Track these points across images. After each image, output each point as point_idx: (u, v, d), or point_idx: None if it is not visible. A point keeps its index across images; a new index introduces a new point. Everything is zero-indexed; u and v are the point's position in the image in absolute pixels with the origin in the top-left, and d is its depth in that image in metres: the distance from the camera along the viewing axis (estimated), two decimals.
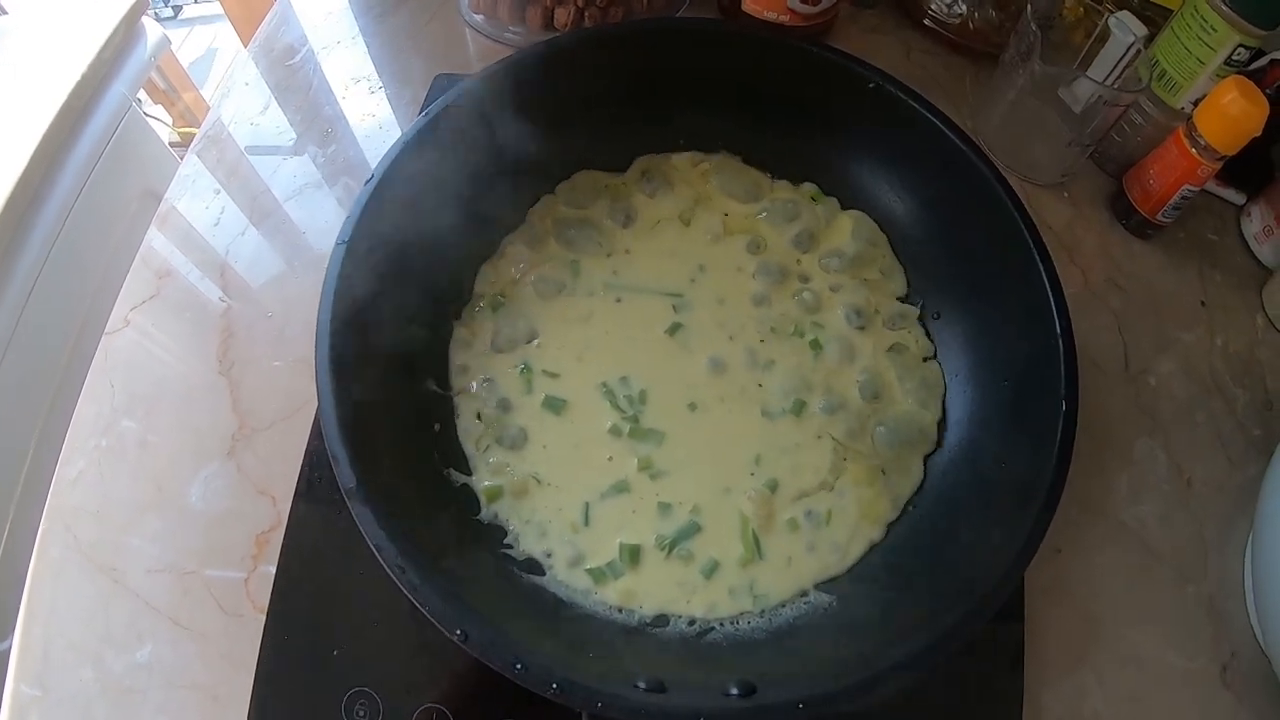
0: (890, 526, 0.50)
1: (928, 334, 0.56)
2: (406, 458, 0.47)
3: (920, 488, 0.51)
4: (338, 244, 0.46)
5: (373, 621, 0.47)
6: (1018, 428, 0.48)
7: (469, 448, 0.51)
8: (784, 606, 0.48)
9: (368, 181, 0.48)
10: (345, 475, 0.40)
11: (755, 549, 0.49)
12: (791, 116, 0.57)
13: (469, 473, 0.50)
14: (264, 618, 0.47)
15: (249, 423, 0.54)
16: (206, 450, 0.53)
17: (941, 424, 0.53)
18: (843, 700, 0.38)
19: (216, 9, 1.34)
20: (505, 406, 0.52)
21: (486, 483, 0.50)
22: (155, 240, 0.60)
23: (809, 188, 0.60)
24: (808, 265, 0.58)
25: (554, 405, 0.52)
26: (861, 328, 0.56)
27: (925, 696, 0.47)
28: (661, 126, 0.59)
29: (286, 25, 0.70)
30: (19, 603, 0.49)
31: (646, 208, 0.59)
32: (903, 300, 0.57)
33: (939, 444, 0.53)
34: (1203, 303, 0.63)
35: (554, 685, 0.37)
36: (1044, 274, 0.47)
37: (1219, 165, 0.58)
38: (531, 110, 0.53)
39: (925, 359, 0.55)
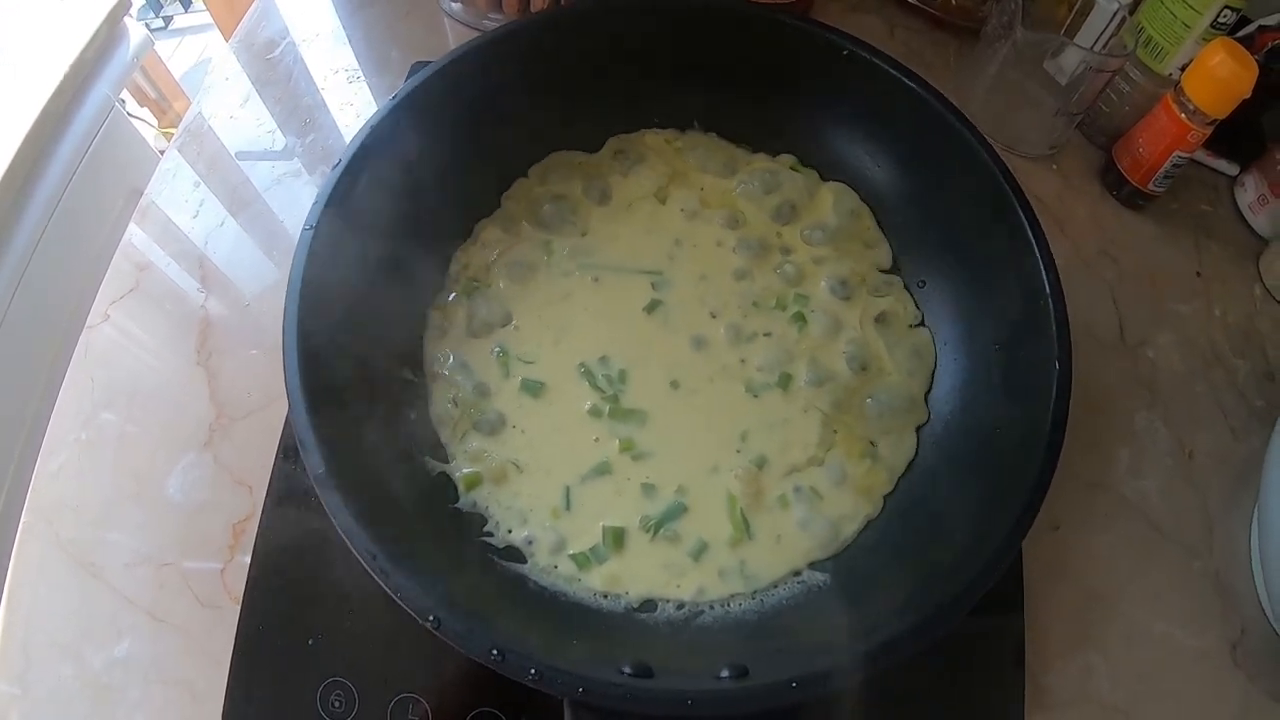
0: (885, 500, 0.48)
1: (915, 301, 0.54)
2: (380, 446, 0.45)
3: (914, 460, 0.49)
4: (305, 229, 0.44)
5: (348, 611, 0.45)
6: (1011, 393, 0.46)
7: (445, 434, 0.49)
8: (776, 587, 0.46)
9: (335, 166, 0.46)
10: (313, 461, 0.39)
11: (744, 528, 0.47)
12: (766, 89, 0.56)
13: (446, 460, 0.48)
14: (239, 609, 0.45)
15: (226, 412, 0.52)
16: (184, 441, 0.51)
17: (932, 394, 0.51)
18: (838, 678, 0.36)
19: (207, 19, 1.34)
20: (482, 391, 0.50)
21: (464, 470, 0.48)
22: (135, 234, 0.59)
23: (787, 158, 0.58)
24: (789, 238, 0.56)
25: (531, 388, 0.50)
26: (846, 298, 0.54)
27: (925, 692, 0.45)
28: (635, 104, 0.57)
29: (267, 19, 0.69)
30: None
31: (621, 186, 0.57)
32: (888, 272, 0.55)
33: (930, 415, 0.51)
34: (1198, 274, 0.61)
35: (533, 671, 0.35)
36: (1028, 229, 0.45)
37: (1209, 130, 0.56)
38: (503, 91, 0.52)
39: (913, 326, 0.53)
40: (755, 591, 0.45)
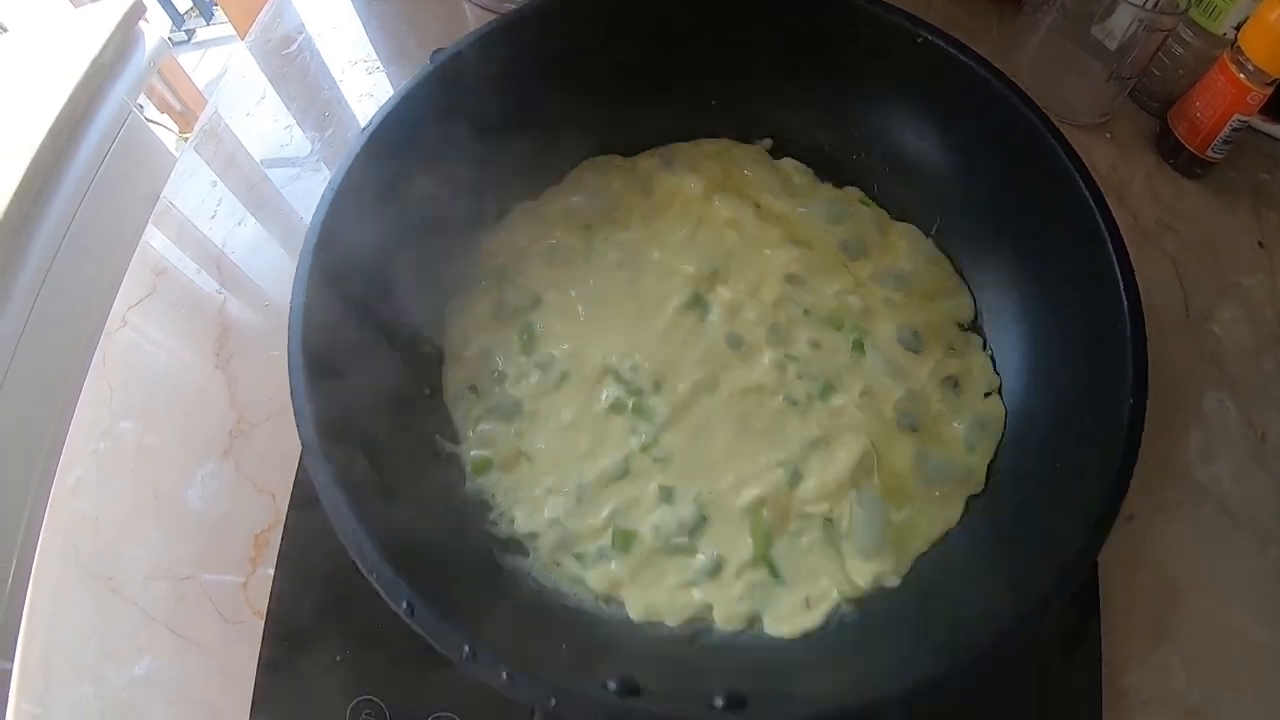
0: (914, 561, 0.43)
1: (994, 366, 0.47)
2: (389, 420, 0.41)
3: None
4: (327, 190, 0.40)
5: (378, 624, 0.40)
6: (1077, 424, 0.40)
7: (458, 415, 0.45)
8: (794, 615, 0.40)
9: (363, 130, 0.42)
10: (305, 429, 0.35)
11: (765, 548, 0.41)
12: (826, 83, 0.50)
13: (457, 442, 0.44)
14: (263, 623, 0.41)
15: (247, 417, 0.48)
16: (204, 448, 0.47)
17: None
18: None
19: (230, 30, 1.31)
20: (501, 376, 0.46)
21: (474, 453, 0.43)
22: (152, 237, 0.55)
23: (854, 192, 0.51)
24: (859, 274, 0.49)
25: (553, 376, 0.45)
26: (916, 352, 0.46)
27: (998, 695, 0.40)
28: (684, 105, 0.52)
29: (282, 16, 0.65)
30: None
31: (667, 185, 0.51)
32: (967, 328, 0.48)
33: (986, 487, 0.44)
34: (1260, 244, 0.55)
35: (505, 674, 0.31)
36: (1095, 210, 0.39)
37: (1269, 90, 0.50)
38: (533, 74, 0.47)
39: (986, 394, 0.46)
40: (769, 617, 0.40)
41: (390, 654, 0.40)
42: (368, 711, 0.39)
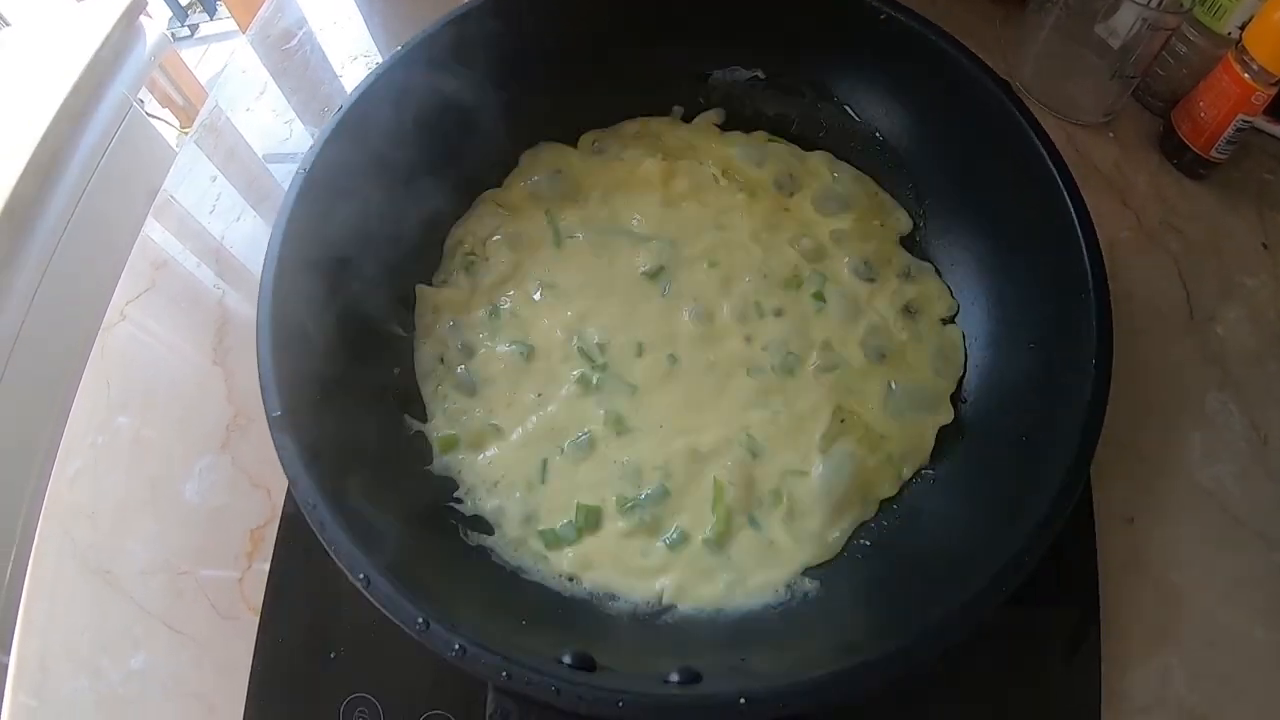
0: (887, 503, 0.43)
1: (950, 290, 0.48)
2: (358, 398, 0.41)
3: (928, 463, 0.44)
4: (298, 171, 0.40)
5: (373, 622, 0.39)
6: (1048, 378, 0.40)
7: (427, 391, 0.45)
8: (758, 590, 0.40)
9: (338, 110, 0.43)
10: (271, 402, 0.35)
11: (729, 522, 0.41)
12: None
13: (424, 419, 0.44)
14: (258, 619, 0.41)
15: (245, 411, 0.48)
16: (201, 443, 0.47)
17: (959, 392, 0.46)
18: (796, 699, 0.30)
19: (233, 26, 1.31)
20: (469, 352, 0.46)
21: (442, 431, 0.44)
22: (151, 231, 0.55)
23: (760, 135, 0.53)
24: (801, 211, 0.50)
25: (520, 352, 0.45)
26: (871, 280, 0.47)
27: (995, 697, 0.40)
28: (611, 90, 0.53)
29: (284, 10, 0.65)
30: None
31: (627, 160, 0.52)
32: (908, 238, 0.50)
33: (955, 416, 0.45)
34: (1264, 245, 0.54)
35: (457, 647, 0.30)
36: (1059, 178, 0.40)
37: (1274, 90, 0.50)
38: (494, 66, 0.48)
39: (945, 321, 0.47)
40: (734, 593, 0.40)
41: (384, 652, 0.40)
42: (361, 709, 0.39)
